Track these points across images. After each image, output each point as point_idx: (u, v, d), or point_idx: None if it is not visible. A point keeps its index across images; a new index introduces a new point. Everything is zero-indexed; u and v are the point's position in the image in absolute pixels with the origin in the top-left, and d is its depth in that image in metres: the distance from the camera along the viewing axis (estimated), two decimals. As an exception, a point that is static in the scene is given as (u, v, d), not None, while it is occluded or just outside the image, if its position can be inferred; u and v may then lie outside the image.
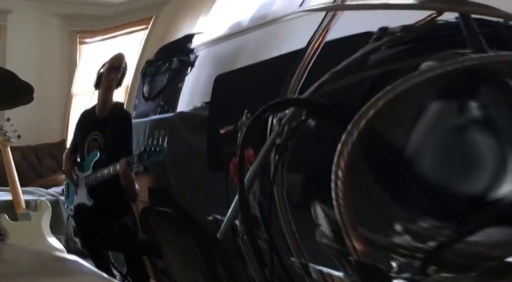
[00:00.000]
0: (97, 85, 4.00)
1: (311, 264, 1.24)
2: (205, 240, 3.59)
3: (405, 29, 1.08)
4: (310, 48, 1.27)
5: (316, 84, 1.09)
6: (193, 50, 4.80)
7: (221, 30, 5.71)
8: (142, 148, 3.40)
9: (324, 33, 1.28)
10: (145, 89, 4.91)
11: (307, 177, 1.21)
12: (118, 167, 3.48)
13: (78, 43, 6.70)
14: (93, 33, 6.51)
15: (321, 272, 1.23)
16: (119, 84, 4.17)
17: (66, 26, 6.74)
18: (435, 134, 0.98)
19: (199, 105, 3.87)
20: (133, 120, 4.44)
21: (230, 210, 1.30)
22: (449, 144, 0.98)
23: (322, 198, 0.98)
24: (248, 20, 5.46)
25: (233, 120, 1.52)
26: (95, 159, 3.81)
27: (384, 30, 1.15)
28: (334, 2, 1.66)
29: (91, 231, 3.69)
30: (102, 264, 3.70)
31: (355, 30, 1.37)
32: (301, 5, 4.65)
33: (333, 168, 0.71)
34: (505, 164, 0.92)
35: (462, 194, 0.95)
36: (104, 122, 3.94)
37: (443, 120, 0.99)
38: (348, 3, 1.51)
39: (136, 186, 3.59)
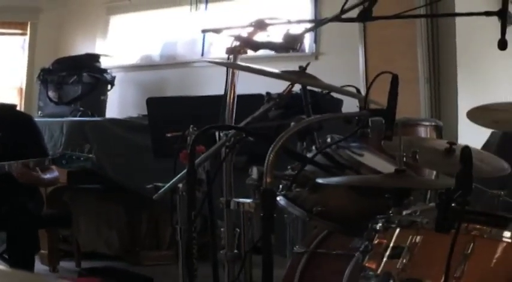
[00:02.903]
0: None
1: (233, 199, 1.83)
2: (133, 204, 4.33)
3: (279, 96, 1.68)
4: (228, 97, 1.81)
5: (244, 122, 1.65)
6: (105, 70, 5.38)
7: (133, 58, 6.05)
8: (58, 154, 3.16)
9: (233, 88, 1.82)
10: (52, 94, 5.21)
11: (250, 157, 1.85)
12: (13, 168, 3.16)
13: None
14: None
15: (237, 202, 1.84)
16: None
17: None
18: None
19: (135, 115, 4.69)
20: (46, 119, 4.50)
21: (177, 177, 1.82)
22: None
23: (258, 163, 1.52)
24: (158, 56, 5.91)
25: (173, 128, 2.06)
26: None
27: (269, 95, 1.76)
28: (228, 59, 2.04)
29: None
30: None
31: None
32: (202, 53, 5.23)
33: (268, 154, 1.29)
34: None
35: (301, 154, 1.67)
36: None
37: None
38: (238, 62, 1.95)
39: (47, 176, 3.32)
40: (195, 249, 2.10)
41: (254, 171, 1.54)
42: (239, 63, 2.00)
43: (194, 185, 1.66)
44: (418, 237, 1.36)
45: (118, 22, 6.41)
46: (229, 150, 1.62)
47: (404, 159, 1.60)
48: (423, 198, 2.26)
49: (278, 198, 1.57)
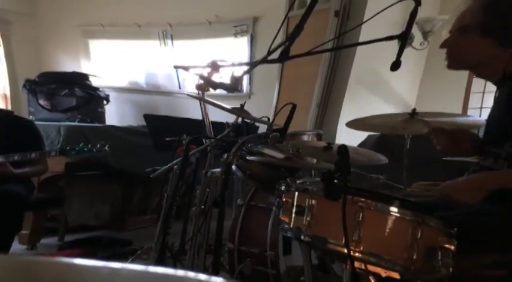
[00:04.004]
0: None
1: (210, 170, 2.47)
2: (129, 183, 4.67)
3: (232, 124, 2.43)
4: (206, 121, 2.52)
5: (219, 136, 2.35)
6: (97, 88, 5.62)
7: (121, 81, 6.35)
8: (68, 147, 3.18)
9: (207, 115, 2.54)
10: (44, 103, 5.36)
11: (224, 150, 2.35)
12: None
13: None
14: None
15: (212, 172, 2.47)
16: None
17: None
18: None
19: (135, 125, 5.06)
20: (41, 122, 4.37)
21: (173, 162, 2.54)
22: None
23: (227, 152, 2.11)
24: (144, 84, 6.26)
25: (168, 135, 2.68)
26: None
27: (228, 124, 2.48)
28: (198, 94, 2.50)
29: None
30: None
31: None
32: (179, 86, 5.84)
33: (232, 150, 1.94)
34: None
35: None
36: None
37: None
38: (205, 98, 2.46)
39: (20, 170, 3.31)
40: (174, 209, 2.41)
41: (225, 156, 2.29)
42: (206, 98, 2.50)
43: (186, 165, 2.31)
44: (313, 201, 1.43)
45: (98, 46, 6.53)
46: (212, 149, 2.46)
47: (291, 152, 2.11)
48: (309, 175, 2.68)
49: (233, 166, 2.17)
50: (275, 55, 1.52)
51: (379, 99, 4.58)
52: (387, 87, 4.62)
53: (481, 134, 2.01)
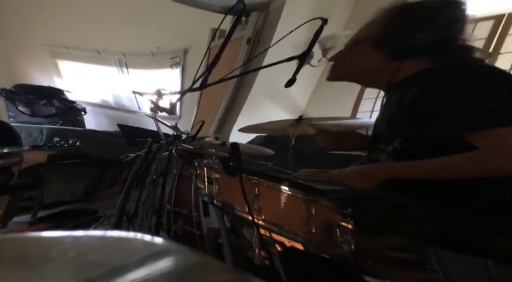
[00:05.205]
0: None
1: (163, 153, 2.69)
2: (105, 166, 5.06)
3: (172, 134, 2.87)
4: (160, 132, 2.90)
5: (167, 140, 2.72)
6: (74, 101, 5.97)
7: (93, 98, 6.66)
8: (42, 143, 3.30)
9: (160, 128, 2.89)
10: (24, 109, 5.55)
11: (169, 145, 2.68)
12: None
13: None
14: None
15: (163, 154, 2.76)
16: None
17: None
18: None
19: (111, 130, 5.44)
20: (22, 124, 4.78)
21: (142, 151, 2.99)
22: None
23: (171, 145, 2.64)
24: (113, 103, 6.70)
25: (138, 137, 3.34)
26: None
27: (170, 136, 2.87)
28: (151, 114, 2.64)
29: None
30: None
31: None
32: (139, 107, 6.65)
33: (173, 145, 2.69)
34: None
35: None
36: None
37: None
38: (157, 117, 2.74)
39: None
40: (136, 180, 2.66)
41: (170, 147, 2.67)
42: (158, 118, 2.86)
43: (150, 153, 2.82)
44: (218, 175, 1.60)
45: (67, 66, 6.75)
46: (165, 144, 2.81)
47: (197, 146, 2.45)
48: (211, 159, 2.59)
49: (173, 150, 2.59)
50: (198, 84, 1.53)
51: (273, 111, 4.60)
52: (282, 100, 4.64)
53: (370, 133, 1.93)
